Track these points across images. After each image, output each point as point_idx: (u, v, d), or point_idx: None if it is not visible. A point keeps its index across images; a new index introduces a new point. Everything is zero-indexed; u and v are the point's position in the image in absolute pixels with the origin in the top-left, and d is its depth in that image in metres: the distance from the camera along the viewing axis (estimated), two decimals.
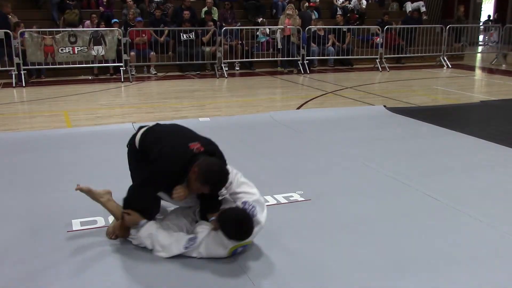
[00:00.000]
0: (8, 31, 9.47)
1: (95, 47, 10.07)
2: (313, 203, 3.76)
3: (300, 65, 11.55)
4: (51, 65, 9.89)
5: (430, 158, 4.92)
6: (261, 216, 2.87)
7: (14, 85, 9.28)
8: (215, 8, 12.31)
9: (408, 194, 3.95)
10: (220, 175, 2.80)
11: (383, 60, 12.21)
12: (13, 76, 9.38)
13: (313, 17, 12.84)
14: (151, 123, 3.29)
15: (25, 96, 8.67)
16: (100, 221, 3.37)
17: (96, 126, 6.15)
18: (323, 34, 12.24)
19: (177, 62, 11.13)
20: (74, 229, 3.28)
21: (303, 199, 3.84)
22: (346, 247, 3.07)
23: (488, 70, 12.94)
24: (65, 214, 3.48)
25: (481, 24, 20.10)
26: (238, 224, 2.72)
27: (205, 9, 12.01)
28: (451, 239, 3.20)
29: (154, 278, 2.70)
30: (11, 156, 4.90)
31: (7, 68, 9.57)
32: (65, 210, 3.56)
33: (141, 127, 3.23)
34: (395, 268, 2.83)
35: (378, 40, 12.42)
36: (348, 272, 2.78)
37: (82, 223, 3.34)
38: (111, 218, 3.39)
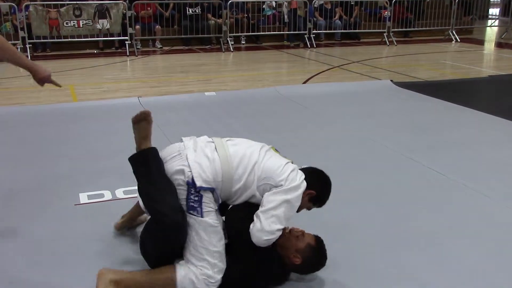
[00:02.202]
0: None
1: (100, 20, 10.00)
2: None
3: (306, 39, 11.44)
4: (56, 38, 9.85)
5: (437, 133, 4.90)
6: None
7: None
8: None
9: (414, 169, 3.95)
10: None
11: (391, 34, 12.06)
12: (19, 50, 9.36)
13: None
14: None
15: None
16: (107, 195, 3.40)
17: (102, 101, 6.15)
18: (330, 7, 12.08)
19: (183, 36, 11.05)
20: (81, 202, 3.32)
21: None
22: (349, 221, 3.09)
23: (498, 44, 12.77)
24: (72, 187, 3.51)
25: None
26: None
27: None
28: (456, 214, 3.20)
29: None
30: (18, 130, 4.92)
31: (13, 42, 9.54)
32: (72, 183, 3.59)
33: None
34: (398, 242, 2.85)
35: (386, 13, 12.25)
36: (351, 246, 2.80)
37: (89, 197, 3.37)
38: (118, 192, 3.42)
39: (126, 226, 2.89)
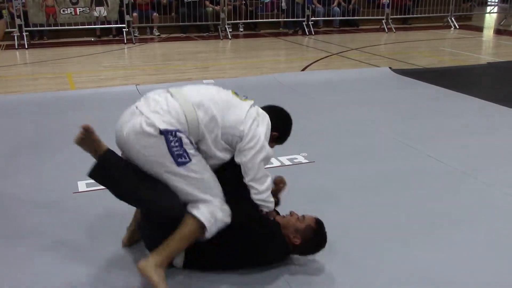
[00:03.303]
0: None
1: (97, 8, 9.92)
2: (317, 165, 3.78)
3: (305, 26, 11.38)
4: (53, 26, 9.78)
5: (436, 120, 4.90)
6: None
7: (16, 46, 9.21)
8: None
9: (413, 156, 3.95)
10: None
11: (390, 21, 11.99)
12: (15, 37, 9.29)
13: None
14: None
15: (28, 58, 8.62)
16: None
17: (99, 88, 6.12)
18: None
19: (180, 23, 10.98)
20: (79, 190, 3.31)
21: (307, 161, 3.85)
22: (349, 209, 3.10)
23: (497, 31, 12.72)
24: (70, 176, 3.51)
25: None
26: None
27: None
28: (455, 201, 3.21)
29: None
30: (15, 118, 4.90)
31: (9, 30, 9.47)
32: (71, 172, 3.58)
33: None
34: (398, 229, 2.86)
35: (385, 0, 12.17)
36: (352, 233, 2.81)
37: (87, 185, 3.37)
38: None
39: (135, 239, 2.63)
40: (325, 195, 3.26)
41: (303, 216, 2.47)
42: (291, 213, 2.50)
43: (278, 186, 2.68)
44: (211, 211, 2.26)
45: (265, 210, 2.43)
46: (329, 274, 2.44)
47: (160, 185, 2.24)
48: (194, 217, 2.23)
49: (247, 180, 2.34)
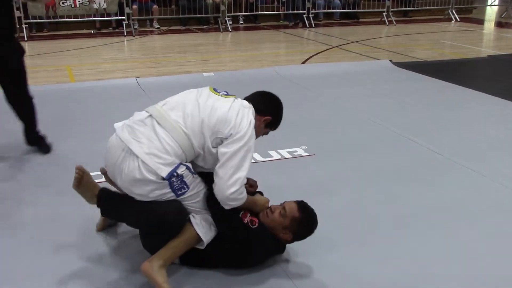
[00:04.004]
0: None
1: (96, 0, 9.90)
2: (317, 158, 3.78)
3: (305, 18, 11.34)
4: (53, 18, 9.75)
5: (436, 113, 4.90)
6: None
7: None
8: None
9: (413, 149, 3.96)
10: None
11: (390, 13, 11.96)
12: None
13: None
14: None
15: (27, 50, 8.54)
16: None
17: (99, 81, 6.11)
18: None
19: (180, 16, 10.95)
20: None
21: (307, 154, 3.85)
22: (349, 202, 3.10)
23: (498, 23, 12.68)
24: (71, 169, 3.49)
25: None
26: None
27: None
28: (454, 193, 3.22)
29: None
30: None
31: None
32: (71, 164, 3.57)
33: None
34: (397, 222, 2.87)
35: None
36: (350, 226, 2.81)
37: None
38: None
39: (108, 224, 2.76)
40: (325, 188, 3.26)
41: (284, 208, 2.37)
42: (272, 209, 2.40)
43: (247, 189, 2.42)
44: (209, 225, 2.33)
45: (226, 207, 2.25)
46: (328, 267, 2.45)
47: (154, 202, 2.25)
48: (194, 229, 2.29)
49: (216, 167, 2.22)
